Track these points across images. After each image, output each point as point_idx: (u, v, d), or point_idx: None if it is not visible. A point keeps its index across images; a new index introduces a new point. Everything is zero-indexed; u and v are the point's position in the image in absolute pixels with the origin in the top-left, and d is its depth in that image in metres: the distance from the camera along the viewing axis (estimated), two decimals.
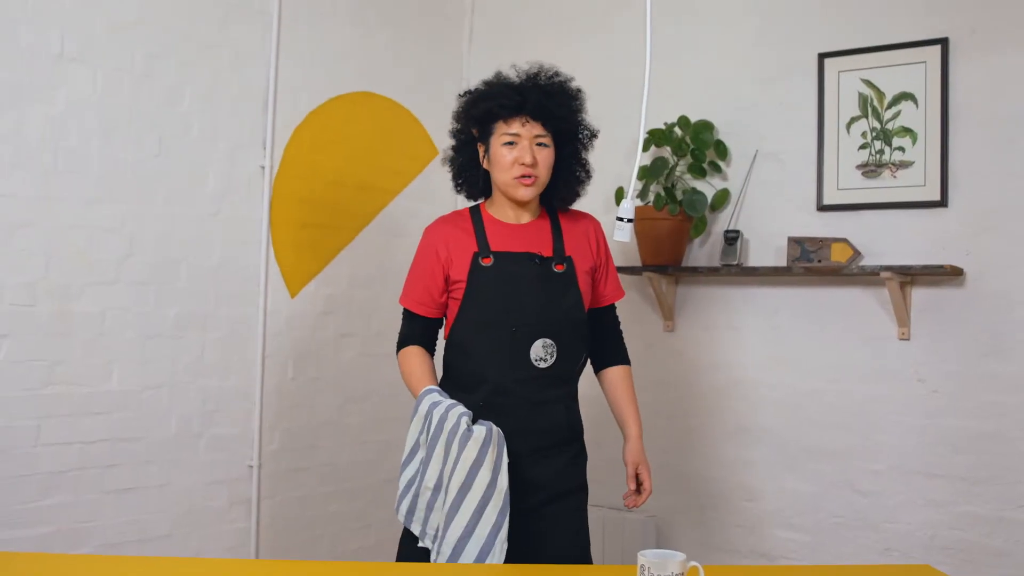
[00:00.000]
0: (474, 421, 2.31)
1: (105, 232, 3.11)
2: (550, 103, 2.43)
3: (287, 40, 3.64)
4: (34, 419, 2.94)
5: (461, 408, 2.32)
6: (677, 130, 3.68)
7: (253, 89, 3.54)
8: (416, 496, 2.37)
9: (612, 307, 2.66)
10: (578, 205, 2.62)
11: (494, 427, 2.29)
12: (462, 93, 2.56)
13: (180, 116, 3.31)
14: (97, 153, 3.08)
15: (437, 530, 2.30)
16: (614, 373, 2.64)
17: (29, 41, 2.91)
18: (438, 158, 4.23)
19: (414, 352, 2.53)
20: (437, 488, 2.31)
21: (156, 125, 3.24)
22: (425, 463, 2.34)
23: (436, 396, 2.38)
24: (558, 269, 2.46)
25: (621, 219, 2.32)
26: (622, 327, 2.71)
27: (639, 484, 2.53)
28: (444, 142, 4.31)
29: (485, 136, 2.48)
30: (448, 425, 2.29)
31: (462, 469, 2.24)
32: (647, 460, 2.56)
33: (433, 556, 2.29)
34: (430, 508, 2.33)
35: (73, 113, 3.02)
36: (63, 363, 3.01)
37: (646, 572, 1.80)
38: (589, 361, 2.65)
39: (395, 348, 2.59)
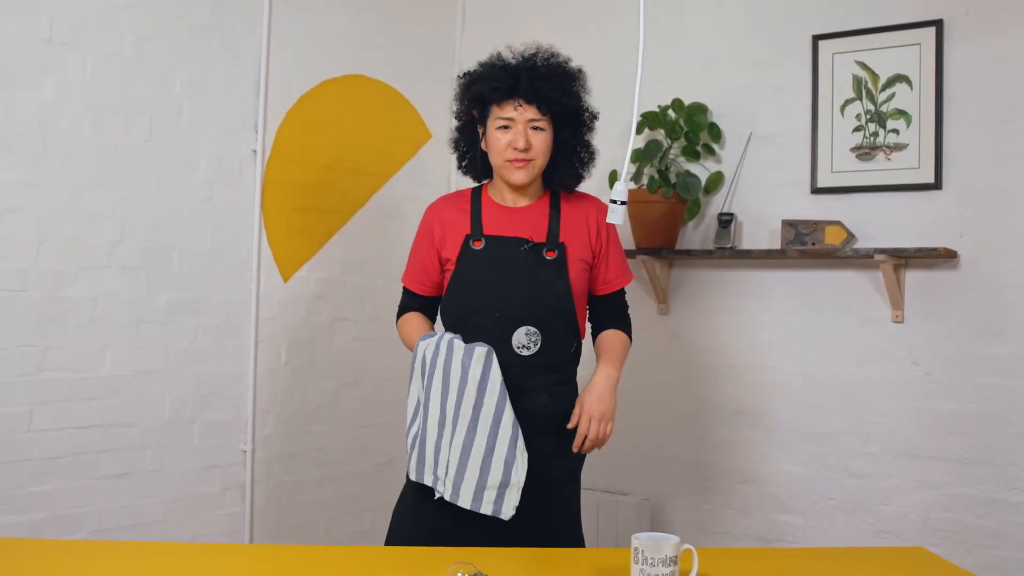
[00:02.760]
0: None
1: (96, 217, 3.09)
2: (544, 86, 2.37)
3: (278, 23, 3.62)
4: (26, 405, 2.93)
5: (450, 334, 2.32)
6: (671, 113, 3.66)
7: (244, 73, 3.51)
8: (424, 444, 2.32)
9: (619, 292, 2.58)
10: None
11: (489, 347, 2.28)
12: (461, 74, 2.52)
13: (171, 100, 3.29)
14: (88, 138, 3.06)
15: (447, 468, 2.27)
16: (604, 334, 2.56)
17: (18, 26, 2.89)
18: (431, 141, 4.21)
19: (411, 315, 2.55)
20: (442, 423, 2.29)
21: (147, 110, 3.22)
22: (425, 403, 2.31)
23: (428, 338, 2.37)
24: (549, 256, 2.41)
25: (614, 202, 2.30)
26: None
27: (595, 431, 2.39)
28: (437, 125, 4.28)
29: (483, 118, 2.45)
30: (442, 352, 2.29)
31: (471, 392, 2.24)
32: (605, 406, 2.38)
33: (447, 495, 2.27)
34: (438, 449, 2.29)
35: (63, 98, 3.00)
36: (55, 349, 3.00)
37: (640, 555, 1.80)
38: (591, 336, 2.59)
39: (394, 321, 2.61)
